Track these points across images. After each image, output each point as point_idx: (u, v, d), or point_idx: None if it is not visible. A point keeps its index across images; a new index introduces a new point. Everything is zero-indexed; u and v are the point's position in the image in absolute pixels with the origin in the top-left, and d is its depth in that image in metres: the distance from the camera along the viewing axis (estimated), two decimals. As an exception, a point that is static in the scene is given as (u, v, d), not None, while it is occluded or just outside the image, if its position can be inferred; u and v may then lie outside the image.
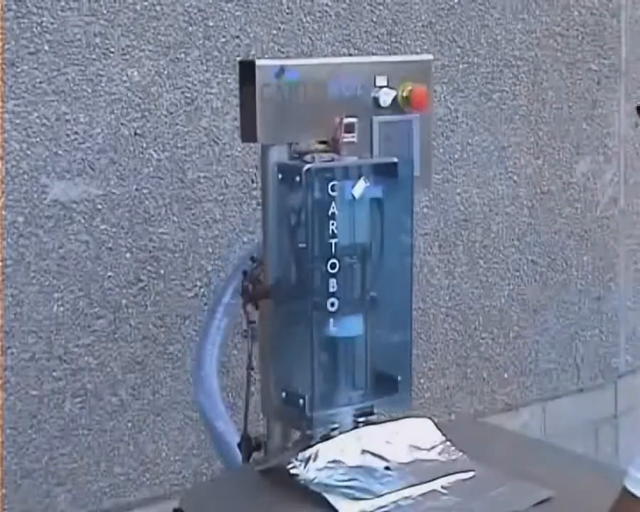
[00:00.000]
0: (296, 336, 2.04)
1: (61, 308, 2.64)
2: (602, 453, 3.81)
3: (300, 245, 2.00)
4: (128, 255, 2.73)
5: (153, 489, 2.83)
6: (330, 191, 1.98)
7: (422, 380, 3.35)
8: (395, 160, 2.07)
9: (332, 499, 1.87)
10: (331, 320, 2.03)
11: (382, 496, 1.90)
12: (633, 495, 1.33)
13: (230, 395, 2.79)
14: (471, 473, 1.97)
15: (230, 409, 2.33)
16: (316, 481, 1.92)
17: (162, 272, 2.78)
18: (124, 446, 2.77)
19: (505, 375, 3.58)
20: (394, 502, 1.89)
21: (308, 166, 1.97)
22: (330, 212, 1.98)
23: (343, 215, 2.01)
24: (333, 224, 1.99)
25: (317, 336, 2.02)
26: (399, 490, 1.92)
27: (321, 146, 2.06)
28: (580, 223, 3.73)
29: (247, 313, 2.17)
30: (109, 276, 2.70)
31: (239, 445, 2.22)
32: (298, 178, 1.96)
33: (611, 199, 3.81)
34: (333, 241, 1.99)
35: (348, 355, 2.09)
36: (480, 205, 3.45)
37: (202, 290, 2.82)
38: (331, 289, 2.01)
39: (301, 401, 2.01)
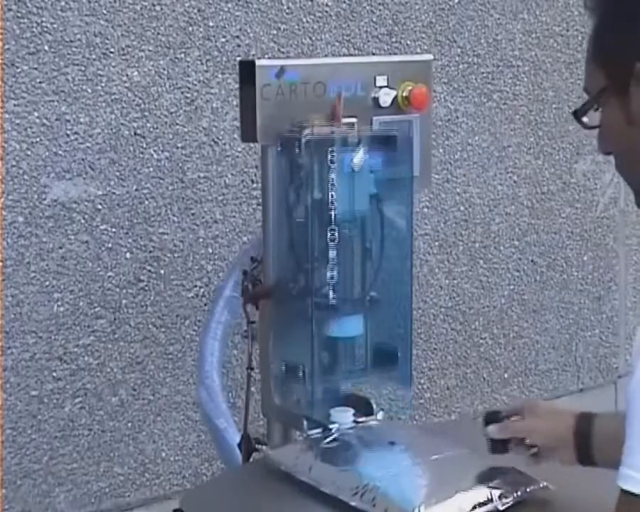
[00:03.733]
0: (295, 308, 2.04)
1: (61, 308, 2.64)
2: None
3: (299, 219, 2.00)
4: (128, 255, 2.73)
5: (153, 489, 2.83)
6: (329, 161, 1.98)
7: (422, 380, 3.35)
8: (395, 132, 2.07)
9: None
10: (331, 291, 2.03)
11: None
12: (631, 493, 1.31)
13: (230, 395, 2.79)
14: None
15: (230, 409, 2.33)
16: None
17: (162, 272, 2.78)
18: (124, 446, 2.77)
19: (505, 375, 3.58)
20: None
21: (307, 135, 1.97)
22: (329, 183, 1.99)
23: (343, 185, 2.01)
24: (332, 194, 1.99)
25: (317, 308, 2.02)
26: None
27: (321, 120, 2.05)
28: (580, 223, 3.73)
29: (247, 313, 2.17)
30: (109, 276, 2.70)
31: (239, 445, 2.22)
32: (297, 149, 1.96)
33: (611, 199, 3.81)
34: (332, 211, 2.00)
35: (348, 328, 2.09)
36: (480, 205, 3.45)
37: (202, 290, 2.82)
38: (331, 259, 2.01)
39: (300, 374, 2.01)
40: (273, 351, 2.09)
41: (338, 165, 1.99)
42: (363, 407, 2.11)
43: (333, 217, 2.00)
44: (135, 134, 2.71)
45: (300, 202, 2.01)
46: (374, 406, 2.11)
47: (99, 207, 2.68)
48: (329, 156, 1.98)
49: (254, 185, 2.87)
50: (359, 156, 2.01)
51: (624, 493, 1.31)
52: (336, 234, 2.01)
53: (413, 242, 2.18)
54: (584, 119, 1.50)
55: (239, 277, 2.26)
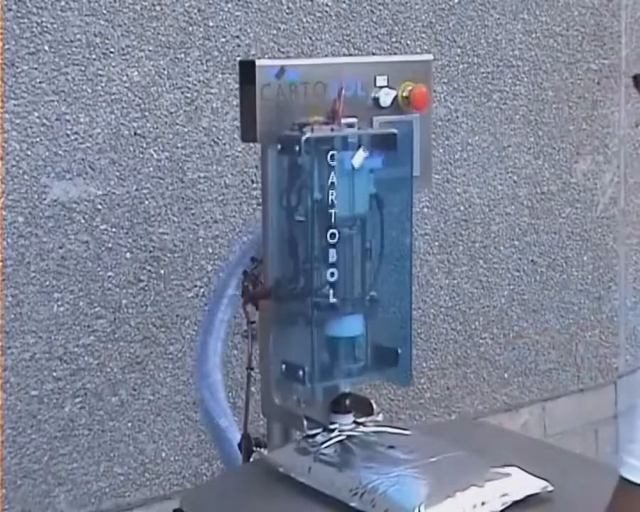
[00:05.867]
0: (295, 307, 2.04)
1: (61, 308, 2.64)
2: (602, 453, 3.81)
3: (299, 218, 2.00)
4: (128, 255, 2.73)
5: (153, 489, 2.83)
6: (329, 161, 1.98)
7: (422, 380, 3.35)
8: (395, 131, 2.07)
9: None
10: (331, 291, 2.03)
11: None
12: (629, 481, 1.32)
13: (230, 395, 2.79)
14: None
15: (230, 409, 2.33)
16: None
17: (162, 271, 2.78)
18: (124, 446, 2.77)
19: (505, 375, 3.58)
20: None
21: (307, 135, 1.97)
22: (329, 182, 1.98)
23: (343, 185, 2.00)
24: (332, 194, 1.99)
25: (317, 308, 2.01)
26: None
27: (321, 119, 2.05)
28: (580, 223, 3.73)
29: (247, 313, 2.17)
30: (109, 276, 2.71)
31: (239, 445, 2.22)
32: (297, 148, 1.96)
33: (611, 199, 3.81)
34: (332, 211, 2.00)
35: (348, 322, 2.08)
36: (480, 205, 3.45)
37: (202, 290, 2.82)
38: (331, 260, 2.01)
39: (300, 373, 2.01)
40: (273, 351, 2.09)
41: (338, 165, 1.99)
42: (363, 408, 2.11)
43: (333, 217, 1.99)
44: (135, 134, 2.71)
45: (300, 202, 2.00)
46: (374, 406, 2.11)
47: (99, 207, 2.68)
48: (329, 156, 1.98)
49: (254, 185, 2.87)
50: (359, 156, 2.00)
51: (623, 480, 1.32)
52: (336, 234, 2.01)
53: (413, 242, 2.17)
54: None
55: (240, 276, 2.27)
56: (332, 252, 2.01)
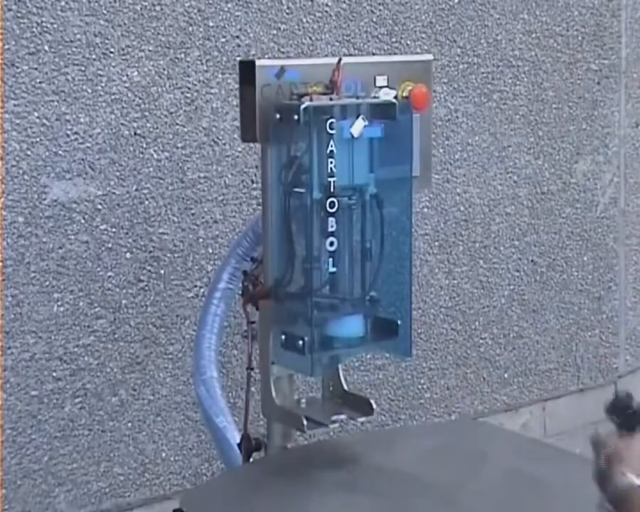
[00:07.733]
0: (297, 281, 2.03)
1: (61, 308, 2.64)
2: (602, 453, 3.80)
3: (298, 190, 2.00)
4: (128, 255, 2.73)
5: (153, 489, 2.83)
6: (328, 129, 1.98)
7: (422, 380, 3.35)
8: (394, 100, 2.06)
9: None
10: (330, 260, 2.03)
11: None
12: None
13: (230, 395, 2.79)
14: None
15: (230, 409, 2.34)
16: None
17: (162, 272, 2.78)
18: (124, 446, 2.77)
19: (505, 375, 3.58)
20: None
21: (306, 104, 1.96)
22: (328, 151, 1.98)
23: (342, 154, 2.00)
24: (331, 162, 1.98)
25: (317, 277, 2.01)
26: None
27: (320, 89, 2.05)
28: (580, 223, 3.73)
29: (247, 313, 2.17)
30: (109, 276, 2.71)
31: (239, 445, 2.22)
32: (296, 117, 1.96)
33: (611, 199, 3.81)
34: (331, 180, 1.99)
35: (347, 295, 2.08)
36: (480, 205, 3.45)
37: (202, 290, 2.82)
38: (330, 229, 2.01)
39: (300, 343, 2.00)
40: (274, 319, 2.07)
41: (337, 133, 1.98)
42: (362, 407, 2.11)
43: (332, 186, 1.99)
44: (135, 134, 2.71)
45: (299, 172, 2.00)
46: (374, 406, 2.11)
47: (99, 207, 2.68)
48: (328, 125, 1.97)
49: (254, 185, 2.87)
50: (358, 125, 1.99)
51: None
52: (336, 203, 2.00)
53: (413, 242, 2.17)
54: None
55: (233, 269, 2.27)
56: (331, 220, 2.00)
